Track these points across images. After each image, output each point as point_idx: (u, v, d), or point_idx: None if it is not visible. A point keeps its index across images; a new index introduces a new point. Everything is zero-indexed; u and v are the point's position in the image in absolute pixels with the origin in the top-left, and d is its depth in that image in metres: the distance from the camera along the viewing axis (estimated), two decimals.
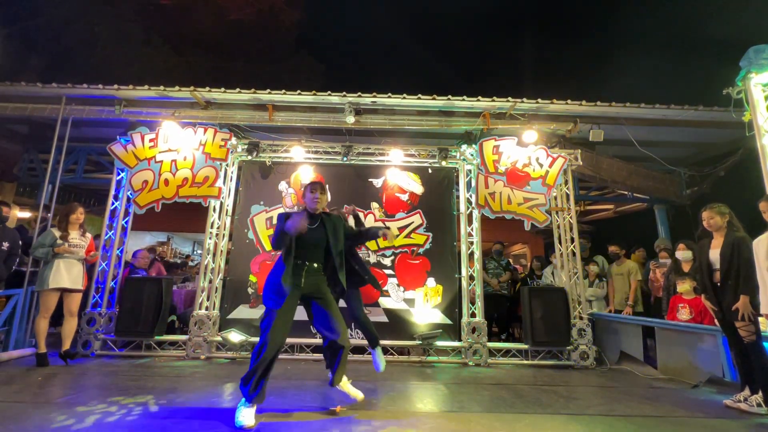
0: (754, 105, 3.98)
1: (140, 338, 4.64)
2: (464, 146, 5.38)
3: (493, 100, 5.15)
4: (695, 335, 3.99)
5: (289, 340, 4.74)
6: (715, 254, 3.26)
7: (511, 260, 7.85)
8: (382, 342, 4.75)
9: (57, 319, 4.32)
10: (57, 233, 4.13)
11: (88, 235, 4.39)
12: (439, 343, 4.75)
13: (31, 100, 5.27)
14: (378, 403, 3.01)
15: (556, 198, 5.32)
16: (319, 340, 4.73)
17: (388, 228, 3.51)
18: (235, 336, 4.57)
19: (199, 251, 12.93)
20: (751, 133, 4.11)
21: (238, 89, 5.08)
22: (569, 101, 5.20)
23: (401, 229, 5.28)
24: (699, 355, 3.93)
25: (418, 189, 5.44)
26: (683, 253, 4.54)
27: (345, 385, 2.84)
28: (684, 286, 4.31)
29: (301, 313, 5.11)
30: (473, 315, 4.91)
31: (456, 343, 4.79)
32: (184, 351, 4.59)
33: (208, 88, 5.06)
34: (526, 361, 4.71)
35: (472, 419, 2.71)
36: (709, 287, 3.30)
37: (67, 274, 4.04)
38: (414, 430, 2.49)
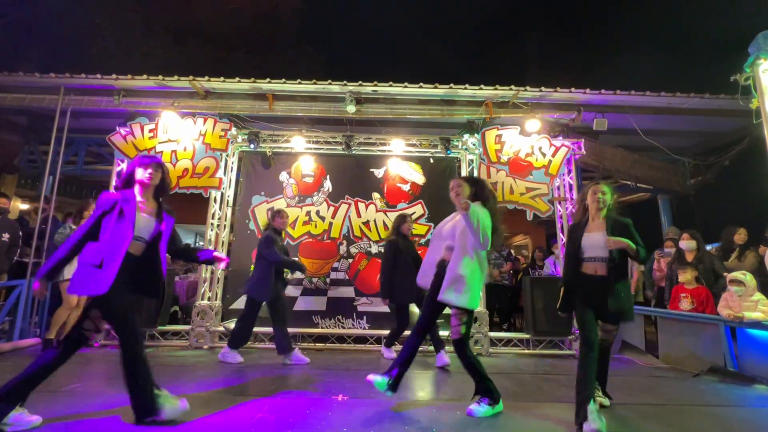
0: (762, 92, 3.91)
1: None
2: (466, 136, 5.32)
3: (496, 89, 5.08)
4: (697, 325, 3.98)
5: (292, 330, 4.76)
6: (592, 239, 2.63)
7: (512, 251, 7.84)
8: (384, 332, 4.78)
9: (52, 308, 4.37)
10: (74, 226, 4.20)
11: None
12: (441, 333, 4.75)
13: (30, 91, 5.23)
14: (380, 391, 3.02)
15: (558, 188, 5.28)
16: (319, 330, 4.77)
17: None
18: None
19: (200, 243, 12.95)
20: (758, 120, 4.06)
21: (237, 78, 5.02)
22: (573, 89, 5.13)
23: None
24: (700, 345, 3.92)
25: (420, 179, 5.40)
26: (687, 243, 4.51)
27: None
28: (685, 276, 4.28)
29: (302, 304, 5.12)
30: None
31: None
32: (187, 341, 4.62)
33: (207, 78, 5.01)
34: (527, 351, 4.73)
35: None
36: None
37: None
38: (415, 418, 2.50)
